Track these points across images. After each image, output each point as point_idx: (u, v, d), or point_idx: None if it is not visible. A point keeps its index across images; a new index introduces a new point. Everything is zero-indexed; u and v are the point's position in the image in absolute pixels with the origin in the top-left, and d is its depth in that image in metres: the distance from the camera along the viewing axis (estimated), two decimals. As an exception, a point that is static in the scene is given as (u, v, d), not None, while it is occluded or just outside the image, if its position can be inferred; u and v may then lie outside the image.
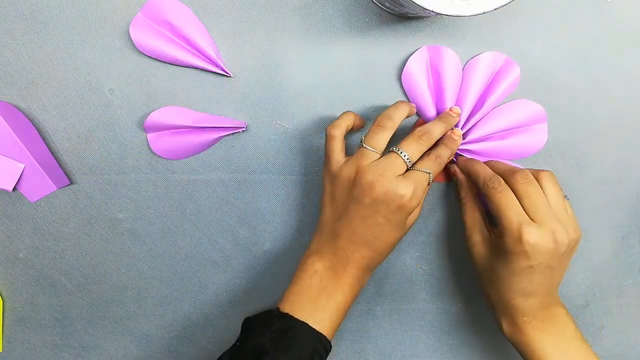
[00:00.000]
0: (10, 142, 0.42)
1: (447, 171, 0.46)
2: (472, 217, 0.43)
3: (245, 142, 0.45)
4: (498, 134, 0.44)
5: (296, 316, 0.38)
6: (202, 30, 0.42)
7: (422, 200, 0.40)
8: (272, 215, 0.47)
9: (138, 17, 0.42)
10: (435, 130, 0.41)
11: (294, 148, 0.45)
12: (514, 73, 0.43)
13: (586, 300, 0.49)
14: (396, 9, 0.41)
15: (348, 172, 0.38)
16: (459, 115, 0.43)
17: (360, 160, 0.38)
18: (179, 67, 0.43)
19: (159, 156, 0.45)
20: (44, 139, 0.44)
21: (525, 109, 0.44)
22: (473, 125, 0.44)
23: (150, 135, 0.44)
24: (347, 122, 0.41)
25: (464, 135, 0.44)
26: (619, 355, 0.50)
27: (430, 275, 0.48)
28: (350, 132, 0.42)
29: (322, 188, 0.42)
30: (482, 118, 0.44)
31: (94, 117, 0.44)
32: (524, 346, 0.40)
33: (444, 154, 0.41)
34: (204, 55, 0.42)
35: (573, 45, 0.44)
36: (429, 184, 0.40)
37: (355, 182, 0.38)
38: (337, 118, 0.41)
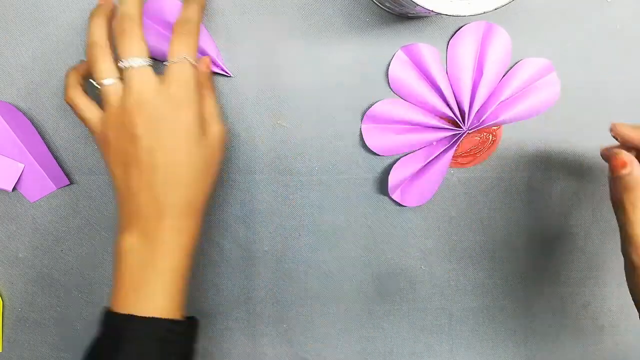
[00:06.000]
0: (10, 142, 0.42)
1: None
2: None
3: (245, 142, 0.45)
4: (511, 98, 0.44)
5: (124, 311, 0.35)
6: (202, 30, 0.42)
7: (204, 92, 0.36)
8: (272, 215, 0.47)
9: (138, 17, 0.42)
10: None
11: (294, 148, 0.45)
12: (500, 34, 0.43)
13: (586, 300, 0.49)
14: (396, 9, 0.41)
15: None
16: None
17: None
18: (179, 67, 0.43)
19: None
20: (44, 139, 0.44)
21: (530, 66, 0.44)
22: (486, 99, 0.44)
23: None
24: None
25: (480, 111, 0.43)
26: (619, 355, 0.50)
27: (431, 275, 0.48)
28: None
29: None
30: (492, 90, 0.44)
31: (94, 117, 0.44)
32: None
33: (191, 13, 0.36)
34: (204, 55, 0.42)
35: (573, 45, 0.44)
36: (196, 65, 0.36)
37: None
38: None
